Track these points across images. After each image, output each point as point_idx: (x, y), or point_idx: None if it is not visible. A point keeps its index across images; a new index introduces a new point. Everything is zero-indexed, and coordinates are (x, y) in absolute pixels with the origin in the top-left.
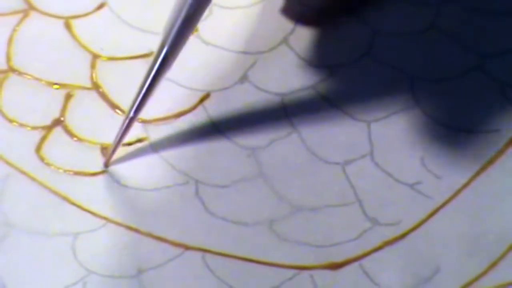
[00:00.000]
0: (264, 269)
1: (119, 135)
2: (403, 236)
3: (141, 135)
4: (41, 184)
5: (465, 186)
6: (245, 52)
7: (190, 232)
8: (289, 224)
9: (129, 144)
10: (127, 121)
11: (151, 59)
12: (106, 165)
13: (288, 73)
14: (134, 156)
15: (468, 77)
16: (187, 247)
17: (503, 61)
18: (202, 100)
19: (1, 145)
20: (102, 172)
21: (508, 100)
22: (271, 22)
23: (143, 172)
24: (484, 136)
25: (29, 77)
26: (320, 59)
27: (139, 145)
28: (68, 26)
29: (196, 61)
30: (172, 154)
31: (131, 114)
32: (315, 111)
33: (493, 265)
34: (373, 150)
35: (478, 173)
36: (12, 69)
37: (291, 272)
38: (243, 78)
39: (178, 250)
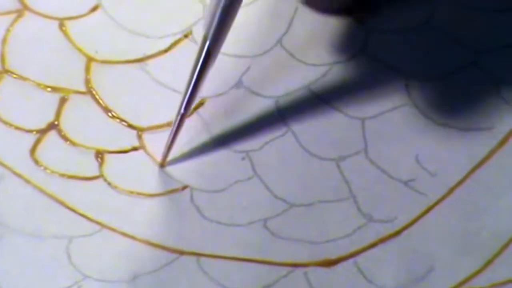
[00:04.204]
0: (258, 267)
1: (172, 133)
2: (397, 233)
3: (136, 142)
4: (35, 186)
5: (459, 183)
6: (239, 56)
7: (185, 238)
8: (283, 221)
9: (125, 151)
10: (178, 118)
11: (145, 63)
12: (162, 164)
13: (282, 75)
14: (129, 163)
15: (462, 74)
16: (182, 252)
17: (497, 58)
18: (197, 107)
19: None
20: (97, 177)
21: (502, 98)
22: (264, 22)
23: (138, 179)
24: (478, 133)
25: (24, 79)
26: (315, 58)
27: (134, 152)
28: (62, 28)
29: (191, 66)
30: (167, 161)
31: (182, 111)
32: (309, 110)
33: (488, 263)
34: (367, 146)
35: (472, 171)
36: (6, 71)
37: (285, 270)
38: (239, 83)
39: (173, 256)
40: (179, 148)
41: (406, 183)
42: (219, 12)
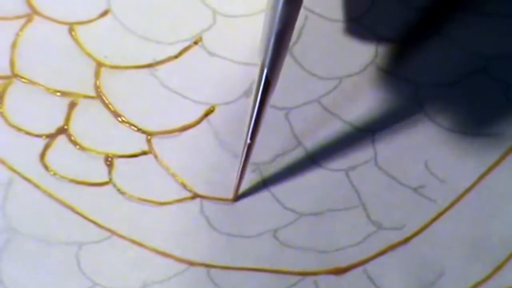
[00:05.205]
0: (268, 276)
1: (241, 165)
2: (407, 240)
3: (146, 147)
4: (44, 191)
5: (469, 189)
6: (249, 64)
7: (195, 249)
8: (293, 231)
9: (134, 156)
10: (245, 148)
11: (155, 68)
12: (235, 199)
13: (292, 86)
14: (139, 169)
15: (472, 81)
16: (191, 263)
17: (507, 64)
18: (207, 114)
19: (4, 150)
20: (106, 182)
21: None
22: None
23: (147, 185)
24: (488, 139)
25: (33, 84)
26: (325, 71)
27: (143, 158)
28: (72, 32)
29: (201, 73)
30: (176, 168)
31: (248, 140)
32: (320, 123)
33: (497, 269)
34: (377, 154)
35: (482, 177)
36: (16, 75)
37: (295, 278)
38: (248, 92)
39: (182, 266)
40: (181, 147)
41: (415, 189)
42: (273, 38)
